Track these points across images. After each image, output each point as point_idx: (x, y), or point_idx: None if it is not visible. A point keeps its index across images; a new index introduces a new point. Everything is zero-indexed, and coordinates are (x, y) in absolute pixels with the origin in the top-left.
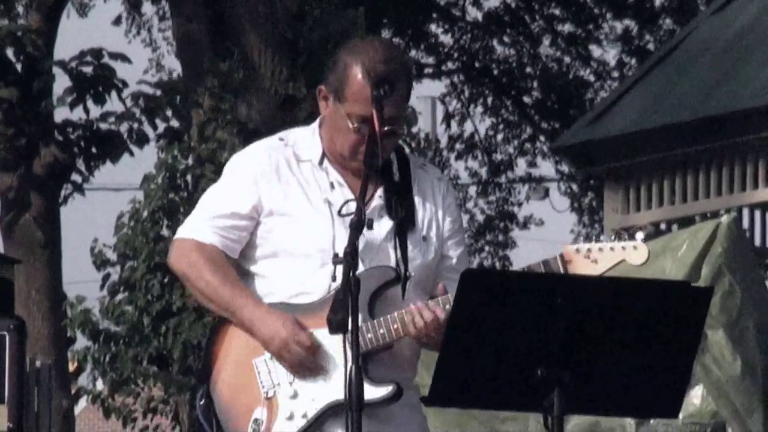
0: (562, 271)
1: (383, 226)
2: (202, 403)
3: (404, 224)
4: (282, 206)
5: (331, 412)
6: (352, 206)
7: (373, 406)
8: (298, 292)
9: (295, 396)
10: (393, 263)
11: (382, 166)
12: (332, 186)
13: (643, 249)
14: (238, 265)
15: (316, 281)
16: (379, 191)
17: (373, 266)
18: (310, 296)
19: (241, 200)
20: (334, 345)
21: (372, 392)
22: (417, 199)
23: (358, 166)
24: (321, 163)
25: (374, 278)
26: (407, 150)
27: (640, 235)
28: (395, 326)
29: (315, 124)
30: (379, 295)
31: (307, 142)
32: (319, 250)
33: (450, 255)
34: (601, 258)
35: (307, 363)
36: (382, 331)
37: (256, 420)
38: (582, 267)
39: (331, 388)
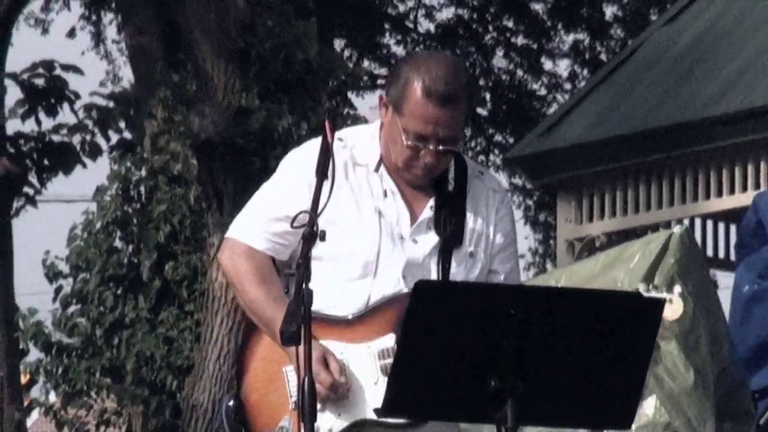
0: None
1: (428, 241)
2: (231, 404)
3: (450, 240)
4: (331, 213)
5: (356, 430)
6: (305, 217)
7: (402, 426)
8: (335, 302)
9: (322, 410)
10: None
11: (437, 176)
12: (385, 194)
13: (679, 304)
14: (287, 265)
15: (354, 294)
16: (431, 202)
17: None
18: (346, 308)
19: (295, 203)
20: (363, 362)
21: None
22: (469, 212)
23: (411, 177)
24: (377, 169)
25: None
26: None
27: (677, 289)
28: None
29: (376, 126)
30: None
31: (366, 145)
32: (362, 262)
33: (497, 270)
34: None
35: (328, 398)
36: None
37: (282, 427)
38: None
39: (358, 406)
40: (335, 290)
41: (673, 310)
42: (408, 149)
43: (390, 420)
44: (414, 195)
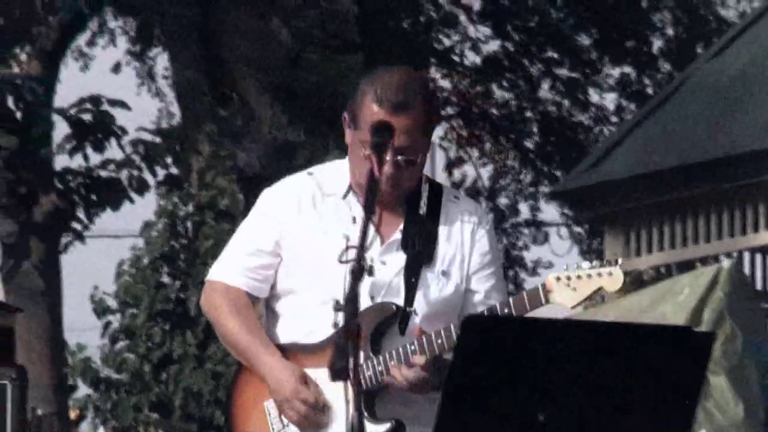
0: (543, 300)
1: (397, 261)
2: None
3: (418, 259)
4: (298, 242)
5: None
6: (353, 252)
7: None
8: (308, 330)
9: None
10: (403, 298)
11: (409, 199)
12: (354, 220)
13: (618, 275)
14: (267, 305)
15: (325, 319)
16: (401, 225)
17: (376, 303)
18: (319, 334)
19: (265, 236)
20: (337, 387)
21: (371, 429)
22: (442, 233)
23: (380, 197)
24: (345, 196)
25: (374, 315)
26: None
27: (620, 261)
28: (392, 363)
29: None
30: (382, 332)
31: (335, 174)
32: (329, 288)
33: (476, 289)
34: (579, 286)
35: (309, 419)
36: (380, 368)
37: None
38: (561, 296)
39: (333, 427)
40: (307, 318)
41: (613, 283)
42: (368, 162)
43: None
44: (385, 219)
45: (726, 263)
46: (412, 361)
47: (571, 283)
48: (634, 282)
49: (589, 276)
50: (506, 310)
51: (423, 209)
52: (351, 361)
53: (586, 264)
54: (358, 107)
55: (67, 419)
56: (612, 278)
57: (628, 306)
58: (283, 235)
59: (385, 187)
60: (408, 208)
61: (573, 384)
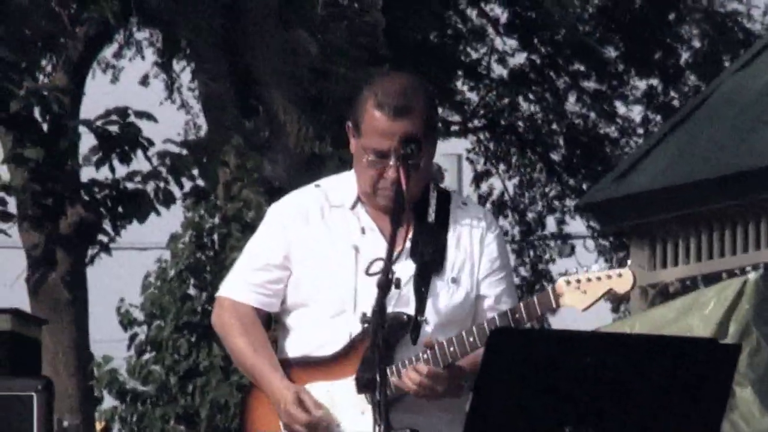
0: (554, 303)
1: (406, 270)
2: None
3: (428, 267)
4: (307, 254)
5: None
6: (380, 264)
7: None
8: (321, 343)
9: None
10: (413, 307)
11: (417, 207)
12: (363, 231)
13: (627, 275)
14: (278, 319)
15: (336, 331)
16: (410, 234)
17: (387, 313)
18: (331, 346)
19: (273, 250)
20: (350, 395)
21: None
22: (451, 240)
23: (383, 200)
24: (353, 207)
25: (386, 325)
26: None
27: (629, 261)
28: (404, 372)
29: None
30: (395, 342)
31: (342, 186)
32: (339, 299)
33: (486, 294)
34: (589, 288)
35: None
36: (394, 378)
37: None
38: (572, 298)
39: None
40: (318, 330)
41: (623, 284)
42: (371, 169)
43: None
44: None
45: (752, 275)
46: (417, 368)
47: (581, 285)
48: (660, 295)
49: (599, 278)
50: (517, 315)
51: (431, 217)
52: (378, 372)
53: (595, 266)
54: (360, 114)
55: (93, 431)
56: (622, 279)
57: (654, 318)
58: (292, 249)
59: (389, 193)
60: (416, 217)
61: (599, 396)
